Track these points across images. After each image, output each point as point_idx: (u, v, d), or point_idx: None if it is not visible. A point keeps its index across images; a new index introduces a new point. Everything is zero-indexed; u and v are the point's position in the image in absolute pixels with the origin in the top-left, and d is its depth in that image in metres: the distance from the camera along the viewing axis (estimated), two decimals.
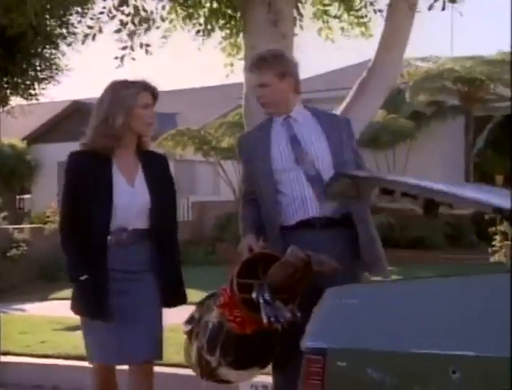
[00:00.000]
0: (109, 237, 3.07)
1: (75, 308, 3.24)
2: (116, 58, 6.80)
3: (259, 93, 3.25)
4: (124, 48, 6.85)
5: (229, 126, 16.28)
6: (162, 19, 7.04)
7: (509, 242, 7.18)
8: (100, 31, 6.96)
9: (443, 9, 6.14)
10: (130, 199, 3.09)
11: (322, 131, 3.17)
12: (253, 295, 2.71)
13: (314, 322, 2.27)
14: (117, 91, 3.14)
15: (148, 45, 6.94)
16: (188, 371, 5.33)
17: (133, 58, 6.87)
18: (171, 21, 7.13)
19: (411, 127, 15.22)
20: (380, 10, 6.97)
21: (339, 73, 17.33)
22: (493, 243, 7.36)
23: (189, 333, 3.11)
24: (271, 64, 3.21)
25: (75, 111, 19.89)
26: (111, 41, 6.96)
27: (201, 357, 3.04)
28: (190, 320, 3.13)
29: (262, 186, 3.17)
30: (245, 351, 2.91)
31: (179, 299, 3.23)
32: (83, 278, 3.08)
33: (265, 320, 2.65)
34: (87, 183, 3.08)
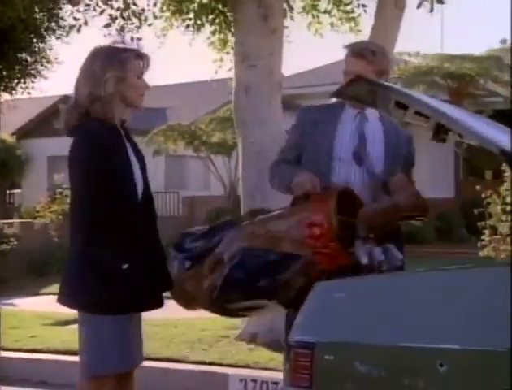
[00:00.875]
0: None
1: (99, 303, 2.74)
2: None
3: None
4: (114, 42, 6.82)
5: (219, 121, 16.26)
6: (155, 17, 7.02)
7: (498, 236, 7.21)
8: (86, 23, 6.92)
9: (431, 10, 6.16)
10: (138, 175, 2.83)
11: (383, 138, 3.16)
12: (358, 232, 2.67)
13: (302, 316, 2.27)
14: (110, 53, 2.84)
15: (139, 39, 6.91)
16: (176, 365, 5.38)
17: None
18: (166, 19, 7.12)
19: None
20: (364, 6, 6.99)
21: (330, 68, 17.31)
22: (482, 237, 7.38)
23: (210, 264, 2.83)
24: (376, 61, 3.11)
25: None
26: (102, 35, 6.94)
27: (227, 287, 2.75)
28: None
29: (316, 161, 3.10)
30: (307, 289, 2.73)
31: (165, 285, 2.93)
32: (125, 267, 2.68)
33: (364, 258, 2.61)
34: (110, 159, 2.72)
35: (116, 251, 2.70)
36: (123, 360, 2.77)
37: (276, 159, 3.32)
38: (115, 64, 2.80)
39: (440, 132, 2.56)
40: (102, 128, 2.76)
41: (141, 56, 2.87)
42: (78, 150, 2.76)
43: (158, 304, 2.84)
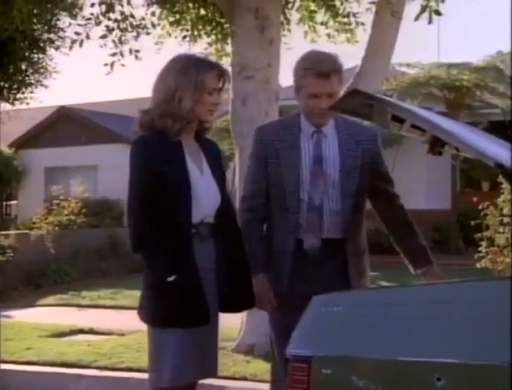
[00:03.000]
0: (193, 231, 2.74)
1: (155, 318, 2.75)
2: (106, 64, 6.78)
3: (326, 102, 2.92)
4: (114, 54, 6.83)
5: (216, 132, 16.25)
6: (153, 26, 7.03)
7: (495, 248, 7.20)
8: (88, 37, 6.94)
9: (429, 22, 6.18)
10: (207, 189, 2.79)
11: (338, 150, 3.03)
12: None
13: (299, 330, 2.26)
14: (187, 68, 2.77)
15: (137, 51, 6.92)
16: None
17: (123, 65, 6.86)
18: (163, 27, 7.13)
19: (398, 133, 15.26)
20: (363, 24, 7.02)
21: None
22: (479, 249, 7.37)
23: None
24: (340, 72, 2.99)
25: (63, 117, 19.83)
26: (100, 46, 6.95)
27: None
28: None
29: (291, 197, 2.99)
30: None
31: (247, 302, 2.93)
32: (171, 279, 2.65)
33: None
34: (164, 170, 2.69)
35: (166, 264, 2.68)
36: (178, 374, 2.73)
37: (250, 195, 3.15)
38: (192, 82, 2.75)
39: (437, 145, 2.55)
40: (160, 141, 2.74)
41: (220, 74, 2.83)
42: (130, 160, 2.77)
43: (204, 320, 2.74)
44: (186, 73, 2.76)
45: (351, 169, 3.01)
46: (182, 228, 2.72)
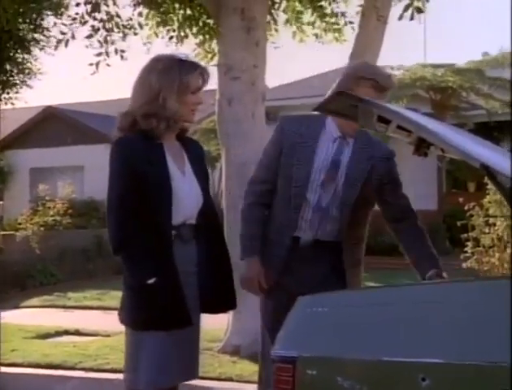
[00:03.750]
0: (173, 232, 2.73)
1: (135, 320, 2.74)
2: (91, 64, 6.75)
3: None
4: (99, 54, 6.80)
5: (203, 132, 16.27)
6: (141, 26, 7.01)
7: (480, 248, 7.24)
8: (73, 37, 6.91)
9: (411, 19, 6.22)
10: (188, 190, 2.78)
11: (349, 160, 3.04)
12: None
13: (284, 330, 2.26)
14: (169, 68, 2.75)
15: (123, 51, 6.90)
16: None
17: (108, 65, 6.83)
18: (151, 28, 7.11)
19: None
20: (351, 22, 7.04)
21: (315, 79, 17.38)
22: (465, 249, 7.41)
23: None
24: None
25: (49, 117, 19.73)
26: (85, 46, 6.92)
27: None
28: None
29: (289, 190, 3.04)
30: None
31: (229, 303, 2.94)
32: (151, 281, 2.64)
33: None
34: (144, 171, 2.68)
35: (146, 266, 2.67)
36: (157, 378, 2.70)
37: (257, 181, 3.19)
38: (175, 82, 2.74)
39: (422, 146, 2.56)
40: (141, 142, 2.73)
41: (202, 73, 2.82)
42: (110, 161, 2.76)
43: (184, 323, 2.73)
44: (169, 73, 2.75)
45: (355, 181, 3.04)
46: (162, 230, 2.71)
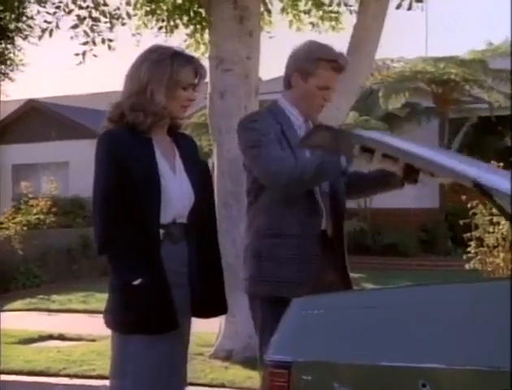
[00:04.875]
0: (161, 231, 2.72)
1: (120, 322, 2.72)
2: (77, 54, 6.73)
3: (331, 96, 3.08)
4: (85, 43, 6.78)
5: (194, 127, 16.24)
6: (129, 16, 6.99)
7: (484, 248, 7.25)
8: (57, 26, 6.89)
9: (409, 8, 6.24)
10: (178, 188, 2.77)
11: None
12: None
13: (278, 334, 2.26)
14: (161, 60, 2.74)
15: (111, 40, 6.87)
16: None
17: (95, 55, 6.81)
18: (140, 18, 7.10)
19: (384, 129, 15.32)
20: (349, 5, 7.05)
21: None
22: (468, 249, 7.43)
23: None
24: None
25: (32, 111, 19.68)
26: (70, 37, 6.90)
27: None
28: None
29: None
30: None
31: (220, 307, 2.93)
32: (137, 282, 2.63)
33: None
34: (131, 167, 2.67)
35: (132, 266, 2.66)
36: (141, 385, 2.70)
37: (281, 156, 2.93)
38: (165, 75, 2.73)
39: (411, 172, 2.60)
40: (129, 137, 2.72)
41: (197, 69, 2.81)
42: (96, 156, 2.74)
43: (171, 326, 2.71)
44: (160, 66, 2.74)
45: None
46: (150, 229, 2.69)
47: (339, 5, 7.22)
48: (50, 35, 6.89)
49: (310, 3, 7.22)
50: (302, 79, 3.06)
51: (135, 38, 7.17)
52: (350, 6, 7.13)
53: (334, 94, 3.08)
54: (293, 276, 2.89)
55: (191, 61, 2.81)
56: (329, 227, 3.04)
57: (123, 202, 2.67)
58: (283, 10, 7.34)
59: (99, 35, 6.83)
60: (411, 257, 14.19)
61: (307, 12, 7.29)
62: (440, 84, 15.31)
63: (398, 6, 6.23)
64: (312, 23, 7.40)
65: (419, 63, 15.55)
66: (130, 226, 2.67)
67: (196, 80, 2.81)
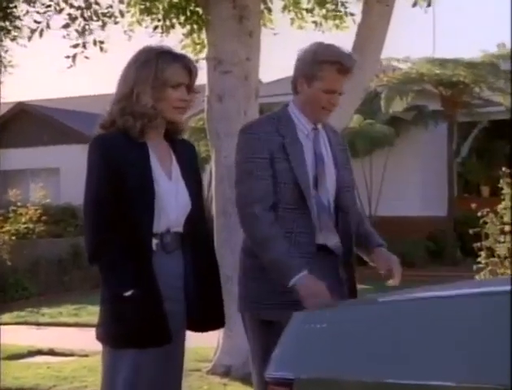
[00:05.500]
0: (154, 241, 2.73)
1: (111, 336, 2.70)
2: (68, 57, 6.73)
3: (337, 99, 3.07)
4: (76, 45, 6.78)
5: (191, 132, 16.21)
6: (122, 14, 7.00)
7: (495, 259, 7.24)
8: (48, 26, 6.89)
9: (414, 5, 6.25)
10: (174, 195, 2.77)
11: (330, 149, 3.12)
12: None
13: (279, 350, 2.25)
14: (147, 61, 2.75)
15: (102, 42, 6.87)
16: None
17: (86, 57, 6.81)
18: (133, 15, 7.09)
19: (390, 133, 15.35)
20: (352, 14, 7.06)
21: None
22: (478, 259, 7.41)
23: None
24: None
25: (21, 114, 19.69)
26: (62, 37, 6.89)
27: None
28: None
29: (305, 194, 2.98)
30: None
31: (217, 321, 2.92)
32: (128, 293, 2.62)
33: None
34: (125, 172, 2.67)
35: (123, 277, 2.66)
36: None
37: (255, 219, 2.93)
38: (150, 75, 2.73)
39: None
40: (122, 141, 2.72)
41: (185, 66, 2.80)
42: (88, 161, 2.74)
43: (163, 340, 2.70)
44: (145, 66, 2.75)
45: (344, 162, 3.15)
46: (141, 238, 2.69)
47: (337, 5, 7.22)
48: (41, 35, 6.89)
49: (312, 1, 7.22)
50: (307, 83, 3.06)
51: (128, 39, 7.16)
52: (352, 14, 7.13)
53: (338, 98, 3.08)
54: (276, 299, 2.86)
55: (178, 58, 2.81)
56: (329, 239, 3.04)
57: (116, 209, 2.67)
58: (284, 8, 7.35)
59: (91, 34, 6.82)
60: (418, 268, 14.16)
61: (310, 11, 7.29)
62: (448, 86, 15.33)
63: (415, 4, 6.25)
64: (315, 22, 7.40)
65: (426, 64, 15.57)
66: (122, 234, 2.67)
67: (188, 79, 2.80)
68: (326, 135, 3.14)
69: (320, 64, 3.02)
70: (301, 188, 2.99)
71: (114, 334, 2.71)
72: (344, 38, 7.25)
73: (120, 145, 2.72)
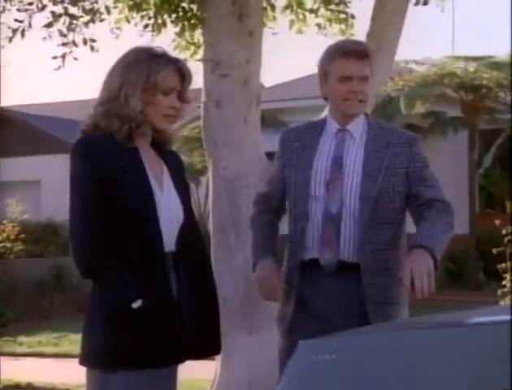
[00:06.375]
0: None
1: (107, 355, 2.65)
2: (55, 57, 6.74)
3: (359, 86, 3.13)
4: (65, 44, 6.78)
5: (185, 141, 16.26)
6: (108, 11, 7.02)
7: None
8: (30, 26, 6.90)
9: (424, 3, 6.28)
10: (167, 206, 2.77)
11: (363, 153, 3.16)
12: None
13: (284, 381, 2.25)
14: (139, 61, 2.77)
15: (93, 41, 6.87)
16: None
17: (75, 58, 6.82)
18: (121, 11, 7.11)
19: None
20: (353, 16, 7.13)
21: (316, 78, 17.47)
22: (503, 282, 7.42)
23: None
24: (370, 57, 3.21)
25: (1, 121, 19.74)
26: (43, 38, 6.89)
27: None
28: None
29: (297, 200, 3.20)
30: None
31: (213, 348, 2.93)
32: (136, 305, 2.61)
33: None
34: (119, 180, 2.68)
35: (131, 285, 2.64)
36: None
37: (261, 196, 3.47)
38: (141, 78, 2.74)
39: None
40: (112, 145, 2.72)
41: (179, 70, 2.82)
42: (71, 167, 2.72)
43: (172, 360, 2.73)
44: (135, 67, 2.76)
45: (374, 171, 3.13)
46: (149, 242, 2.68)
47: (345, 4, 7.26)
48: (22, 35, 6.91)
49: (319, 1, 7.25)
50: (324, 82, 3.22)
51: (115, 37, 7.17)
52: (353, 17, 7.19)
53: (362, 85, 3.14)
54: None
55: (173, 62, 2.83)
56: (324, 253, 3.09)
57: (110, 219, 2.66)
58: (286, 7, 7.37)
59: (79, 34, 6.82)
60: (437, 291, 14.06)
61: (315, 11, 7.31)
62: (469, 90, 15.36)
63: (425, 3, 6.29)
64: (319, 25, 7.43)
65: (447, 65, 15.60)
66: (122, 240, 2.66)
67: (179, 85, 2.82)
68: (365, 138, 3.17)
69: (329, 58, 3.17)
70: (296, 193, 3.15)
71: (111, 353, 2.64)
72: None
73: (109, 148, 2.72)
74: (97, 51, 6.90)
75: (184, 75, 2.83)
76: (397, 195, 3.15)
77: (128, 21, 7.12)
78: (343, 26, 7.32)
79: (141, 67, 2.76)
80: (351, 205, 3.10)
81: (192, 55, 7.07)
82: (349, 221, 3.10)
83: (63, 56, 6.73)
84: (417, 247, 2.97)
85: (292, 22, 7.44)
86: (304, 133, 3.26)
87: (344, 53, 3.12)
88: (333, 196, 3.10)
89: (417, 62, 16.31)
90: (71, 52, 6.78)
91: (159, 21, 6.97)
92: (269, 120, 12.57)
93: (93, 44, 6.85)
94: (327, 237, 3.10)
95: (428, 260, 2.93)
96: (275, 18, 7.30)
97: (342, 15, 7.28)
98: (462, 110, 15.70)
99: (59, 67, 6.75)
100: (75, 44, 6.77)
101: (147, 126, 2.80)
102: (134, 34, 7.23)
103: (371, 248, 3.10)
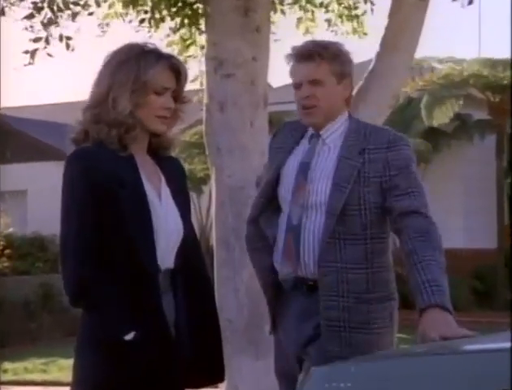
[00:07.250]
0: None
1: (99, 387, 2.68)
2: (26, 52, 6.74)
3: (308, 90, 3.13)
4: (37, 40, 6.79)
5: (185, 147, 16.26)
6: (98, 4, 7.03)
7: None
8: (3, 13, 6.88)
9: (470, 3, 6.31)
10: (165, 219, 2.79)
11: (336, 159, 3.12)
12: None
13: None
14: (127, 59, 2.77)
15: (69, 38, 6.87)
16: None
17: (49, 55, 6.82)
18: (111, 6, 7.12)
19: (425, 148, 15.36)
20: (372, 3, 7.15)
21: None
22: None
23: None
24: (329, 57, 3.16)
25: None
26: (20, 28, 6.88)
27: None
28: None
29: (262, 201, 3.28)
30: None
31: (215, 375, 2.96)
32: (130, 337, 2.62)
33: None
34: (116, 194, 2.69)
35: (122, 316, 2.65)
36: None
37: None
38: (130, 78, 2.75)
39: None
40: (106, 155, 2.73)
41: (172, 67, 2.82)
42: (64, 180, 2.74)
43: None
44: (124, 67, 2.76)
45: (342, 181, 3.06)
46: (145, 272, 2.68)
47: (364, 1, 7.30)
48: None
49: None
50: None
51: (102, 34, 7.20)
52: (372, 3, 7.22)
53: (314, 89, 3.13)
54: None
55: (164, 58, 2.83)
56: (283, 267, 3.12)
57: (102, 237, 2.67)
58: (295, 2, 7.39)
59: (58, 26, 6.80)
60: (462, 312, 14.06)
61: (325, 6, 7.33)
62: (497, 91, 15.35)
63: None
64: (328, 21, 7.45)
65: (472, 65, 15.61)
66: (115, 266, 2.67)
67: (174, 84, 2.83)
68: (341, 144, 3.13)
69: (286, 61, 3.22)
70: (260, 201, 3.23)
71: (102, 385, 2.66)
72: (364, 42, 7.33)
73: (106, 159, 2.72)
74: (73, 50, 6.90)
75: (179, 72, 2.84)
76: (368, 207, 3.06)
77: (118, 16, 7.14)
78: (355, 24, 7.34)
79: (130, 66, 2.76)
80: (312, 216, 3.07)
81: (181, 52, 7.07)
82: (308, 233, 3.06)
83: (33, 52, 6.71)
84: (431, 307, 2.86)
85: (299, 20, 7.46)
86: (288, 136, 3.29)
87: (289, 56, 3.17)
88: (296, 204, 3.10)
89: (440, 61, 16.31)
90: (45, 48, 6.77)
91: (157, 16, 6.98)
92: (277, 124, 12.54)
93: (69, 41, 6.83)
94: (288, 249, 3.09)
95: (452, 322, 2.89)
96: (284, 13, 7.31)
97: (355, 11, 7.29)
98: (489, 112, 15.70)
99: (29, 64, 6.75)
100: (47, 40, 6.74)
101: (137, 130, 2.79)
102: (129, 30, 7.25)
103: (336, 266, 3.03)
